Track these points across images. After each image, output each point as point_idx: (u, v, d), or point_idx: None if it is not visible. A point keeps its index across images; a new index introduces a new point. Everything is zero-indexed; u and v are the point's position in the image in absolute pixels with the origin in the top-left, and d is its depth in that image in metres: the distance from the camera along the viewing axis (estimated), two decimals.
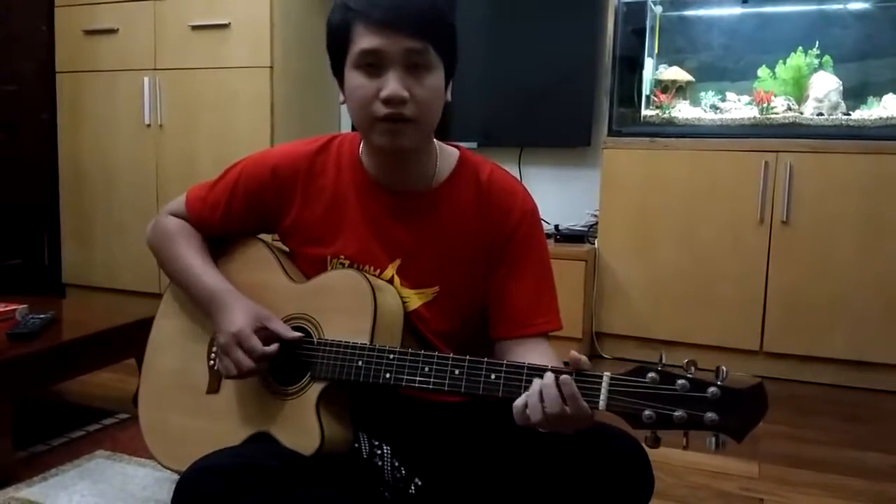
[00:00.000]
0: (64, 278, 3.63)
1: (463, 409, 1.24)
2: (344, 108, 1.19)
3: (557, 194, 3.20)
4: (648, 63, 2.97)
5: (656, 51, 3.00)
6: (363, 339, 1.13)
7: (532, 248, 1.23)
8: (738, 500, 1.77)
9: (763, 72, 2.81)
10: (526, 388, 1.01)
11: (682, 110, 2.90)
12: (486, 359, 1.06)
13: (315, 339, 1.17)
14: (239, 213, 1.30)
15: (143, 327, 1.50)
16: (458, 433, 1.23)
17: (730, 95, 2.88)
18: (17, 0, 3.42)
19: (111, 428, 2.08)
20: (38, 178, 3.56)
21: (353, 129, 1.21)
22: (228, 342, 1.16)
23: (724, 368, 0.93)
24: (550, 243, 2.93)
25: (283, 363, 1.18)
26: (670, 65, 2.98)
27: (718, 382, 0.92)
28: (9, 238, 3.44)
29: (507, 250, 1.22)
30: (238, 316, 1.17)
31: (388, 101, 1.08)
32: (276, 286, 1.26)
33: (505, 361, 1.05)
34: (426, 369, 1.09)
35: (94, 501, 1.64)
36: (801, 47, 2.77)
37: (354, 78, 1.11)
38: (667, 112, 2.90)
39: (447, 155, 1.26)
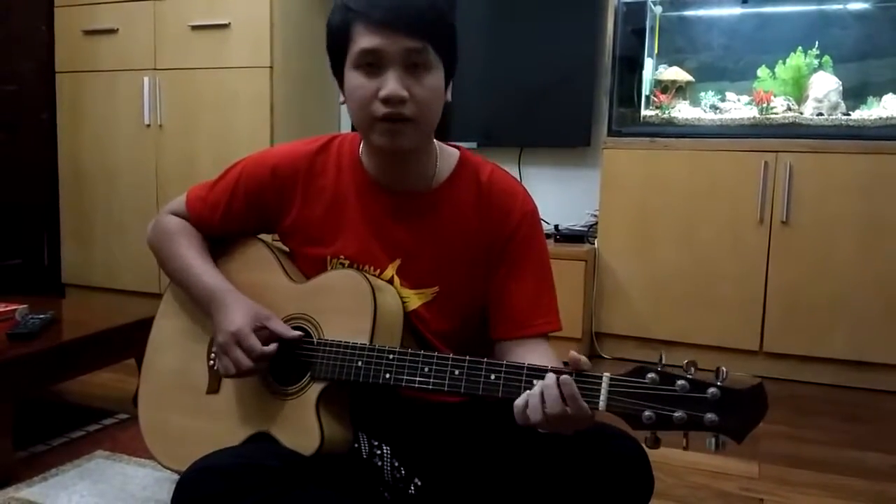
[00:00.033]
0: (64, 278, 3.63)
1: (463, 410, 1.24)
2: (344, 108, 1.19)
3: (557, 194, 3.20)
4: (648, 63, 2.97)
5: (656, 51, 3.00)
6: (363, 340, 1.13)
7: (532, 248, 1.23)
8: (738, 500, 1.77)
9: (763, 72, 2.81)
10: (526, 389, 1.01)
11: (682, 110, 2.90)
12: (485, 359, 1.06)
13: (315, 339, 1.17)
14: (239, 213, 1.30)
15: (143, 327, 1.50)
16: (457, 433, 1.23)
17: (729, 95, 2.89)
18: (17, 0, 3.42)
19: (111, 428, 2.08)
20: (38, 178, 3.56)
21: (353, 129, 1.21)
22: (227, 341, 1.16)
23: (724, 369, 0.93)
24: (550, 243, 2.93)
25: (283, 363, 1.18)
26: (670, 65, 2.98)
27: (718, 383, 0.92)
28: (9, 238, 3.44)
29: (507, 251, 1.22)
30: (237, 315, 1.17)
31: (387, 101, 1.08)
32: (276, 286, 1.26)
33: (504, 362, 1.05)
34: (426, 369, 1.09)
35: (94, 501, 1.64)
36: (800, 47, 2.77)
37: (354, 78, 1.12)
38: (666, 112, 2.90)
39: (447, 155, 1.26)
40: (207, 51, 3.22)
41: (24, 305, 2.11)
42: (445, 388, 1.08)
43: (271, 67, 3.13)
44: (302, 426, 1.13)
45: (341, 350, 1.14)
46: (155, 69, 3.33)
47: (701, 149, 2.75)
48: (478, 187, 1.23)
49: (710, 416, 0.91)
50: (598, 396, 0.96)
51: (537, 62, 3.13)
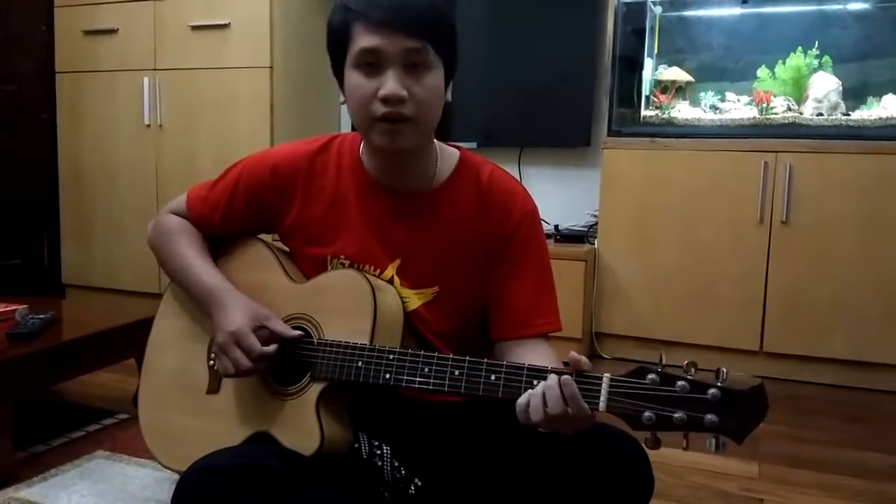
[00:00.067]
0: (64, 278, 3.63)
1: (463, 410, 1.24)
2: (344, 108, 1.19)
3: (557, 194, 3.20)
4: (648, 63, 2.97)
5: (656, 51, 3.00)
6: (363, 340, 1.13)
7: (532, 248, 1.23)
8: (738, 500, 1.77)
9: (763, 72, 2.81)
10: (526, 389, 1.01)
11: (682, 110, 2.90)
12: (485, 360, 1.06)
13: (315, 340, 1.17)
14: (239, 213, 1.30)
15: (143, 327, 1.50)
16: (458, 433, 1.23)
17: (729, 96, 2.89)
18: (17, 0, 3.42)
19: (111, 428, 2.08)
20: (38, 178, 3.56)
21: (353, 129, 1.21)
22: (226, 341, 1.16)
23: (725, 370, 0.93)
24: (550, 243, 2.93)
25: (283, 363, 1.18)
26: (670, 65, 2.98)
27: (718, 384, 0.92)
28: (9, 238, 3.44)
29: (508, 251, 1.22)
30: (237, 315, 1.17)
31: (386, 101, 1.09)
32: (276, 286, 1.26)
33: (505, 362, 1.06)
34: (426, 370, 1.09)
35: (94, 501, 1.64)
36: (800, 47, 2.77)
37: (354, 77, 1.12)
38: (666, 112, 2.90)
39: (447, 155, 1.26)
40: (207, 51, 3.22)
41: (24, 305, 2.11)
42: (445, 389, 1.08)
43: (271, 67, 3.13)
44: (302, 426, 1.13)
45: (341, 350, 1.14)
46: (155, 69, 3.32)
47: (701, 149, 2.75)
48: (478, 187, 1.23)
49: (710, 417, 0.91)
50: (599, 397, 0.96)
51: (537, 62, 3.13)
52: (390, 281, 1.22)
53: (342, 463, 1.16)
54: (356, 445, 1.20)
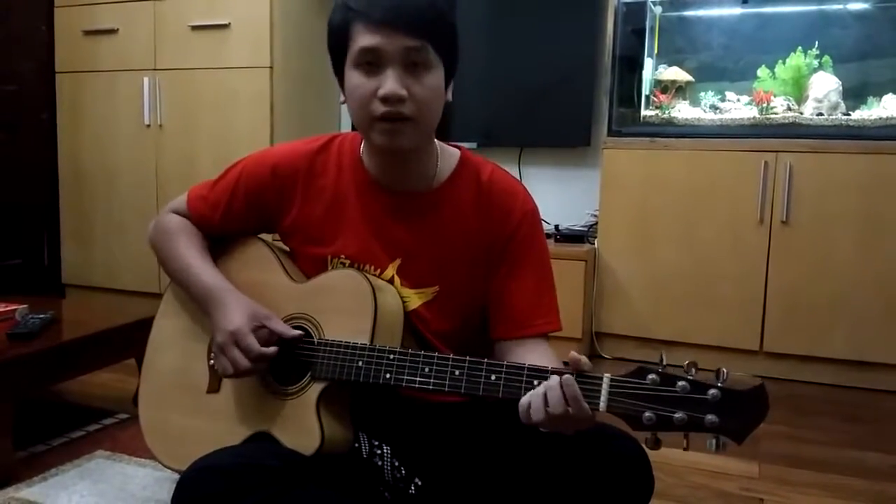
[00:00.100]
0: (64, 278, 3.63)
1: (463, 410, 1.24)
2: (344, 108, 1.19)
3: (557, 194, 3.20)
4: (648, 63, 2.97)
5: (656, 51, 3.00)
6: (363, 340, 1.13)
7: (532, 248, 1.23)
8: (738, 500, 1.77)
9: (763, 72, 2.81)
10: (526, 390, 1.01)
11: (682, 110, 2.90)
12: (486, 360, 1.06)
13: (315, 339, 1.17)
14: (239, 213, 1.30)
15: (143, 327, 1.50)
16: (458, 433, 1.23)
17: (729, 95, 2.89)
18: (17, 0, 3.42)
19: (111, 428, 2.08)
20: (38, 178, 3.56)
21: (354, 128, 1.21)
22: (225, 341, 1.16)
23: (725, 370, 0.93)
24: (550, 243, 2.93)
25: (283, 363, 1.18)
26: (670, 65, 2.98)
27: (719, 384, 0.92)
28: (9, 238, 3.44)
29: (508, 250, 1.22)
30: (236, 315, 1.17)
31: (385, 100, 1.09)
32: (277, 286, 1.26)
33: (505, 362, 1.06)
34: (426, 370, 1.09)
35: (94, 501, 1.64)
36: (800, 47, 2.77)
37: (354, 77, 1.12)
38: (666, 112, 2.90)
39: (448, 155, 1.26)
40: (207, 51, 3.22)
41: (24, 305, 2.10)
42: (446, 389, 1.08)
43: (271, 67, 3.13)
44: (302, 426, 1.13)
45: (342, 350, 1.14)
46: (155, 69, 3.32)
47: (701, 149, 2.75)
48: (478, 187, 1.23)
49: (710, 417, 0.91)
50: (599, 397, 0.96)
51: (537, 62, 3.13)
52: (390, 280, 1.22)
53: (342, 463, 1.16)
54: (356, 445, 1.20)
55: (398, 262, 1.23)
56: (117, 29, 3.36)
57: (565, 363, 1.04)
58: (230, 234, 1.34)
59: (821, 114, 2.71)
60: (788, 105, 2.77)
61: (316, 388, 1.15)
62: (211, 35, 3.20)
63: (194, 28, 3.22)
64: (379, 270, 1.23)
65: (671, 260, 2.79)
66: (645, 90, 2.95)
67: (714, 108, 2.88)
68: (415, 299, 1.22)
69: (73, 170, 3.55)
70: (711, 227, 2.74)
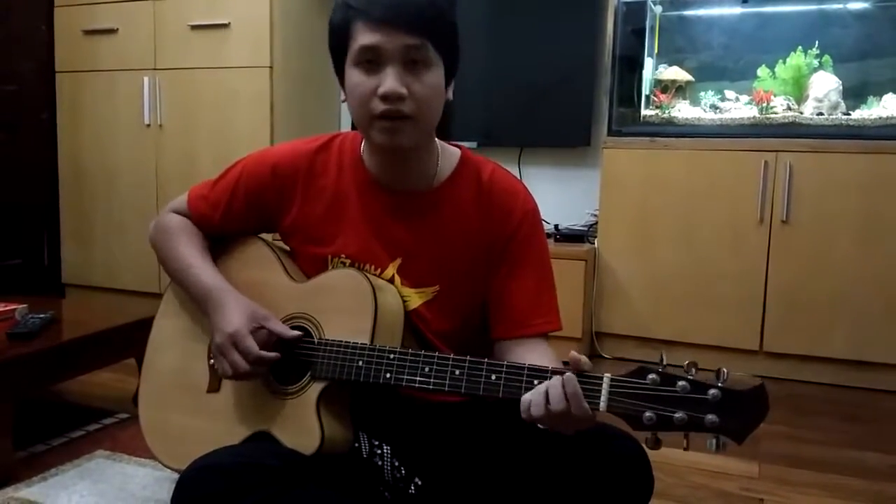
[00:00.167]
0: (64, 278, 3.63)
1: (463, 409, 1.24)
2: (345, 107, 1.19)
3: (557, 194, 3.20)
4: (648, 63, 2.97)
5: (656, 51, 3.00)
6: (363, 339, 1.13)
7: (533, 248, 1.23)
8: (738, 500, 1.77)
9: (763, 71, 2.81)
10: (527, 389, 1.01)
11: (682, 110, 2.90)
12: (486, 359, 1.06)
13: (315, 339, 1.17)
14: (239, 212, 1.30)
15: (143, 327, 1.50)
16: (458, 433, 1.23)
17: (729, 95, 2.89)
18: (17, 0, 3.42)
19: (111, 428, 2.08)
20: (38, 178, 3.56)
21: (354, 128, 1.21)
22: (224, 342, 1.16)
23: (725, 370, 0.93)
24: (550, 243, 2.93)
25: (284, 363, 1.18)
26: (670, 65, 2.98)
27: (719, 384, 0.92)
28: (9, 238, 3.44)
29: (508, 250, 1.22)
30: (234, 315, 1.17)
31: (385, 98, 1.09)
32: (277, 285, 1.26)
33: (505, 362, 1.05)
34: (426, 369, 1.09)
35: (94, 501, 1.64)
36: (800, 47, 2.77)
37: (354, 75, 1.12)
38: (666, 112, 2.90)
39: (448, 154, 1.26)
40: (207, 51, 3.22)
41: (24, 305, 2.10)
42: (446, 388, 1.08)
43: (271, 67, 3.13)
44: (302, 426, 1.13)
45: (342, 350, 1.14)
46: (155, 69, 3.32)
47: (701, 148, 2.75)
48: (479, 186, 1.23)
49: (710, 417, 0.91)
50: (599, 397, 0.96)
51: (537, 62, 3.13)
52: (391, 280, 1.22)
53: (342, 462, 1.16)
54: (356, 445, 1.20)
55: (398, 261, 1.23)
56: (117, 29, 3.36)
57: (565, 363, 1.04)
58: (230, 234, 1.34)
59: (821, 113, 2.71)
60: (788, 105, 2.77)
61: (316, 388, 1.15)
62: (211, 35, 3.20)
63: (194, 28, 3.22)
64: (379, 270, 1.23)
65: (671, 259, 2.79)
66: (645, 90, 2.95)
67: (714, 107, 2.88)
68: (415, 299, 1.22)
69: (73, 170, 3.55)
70: (711, 226, 2.74)
